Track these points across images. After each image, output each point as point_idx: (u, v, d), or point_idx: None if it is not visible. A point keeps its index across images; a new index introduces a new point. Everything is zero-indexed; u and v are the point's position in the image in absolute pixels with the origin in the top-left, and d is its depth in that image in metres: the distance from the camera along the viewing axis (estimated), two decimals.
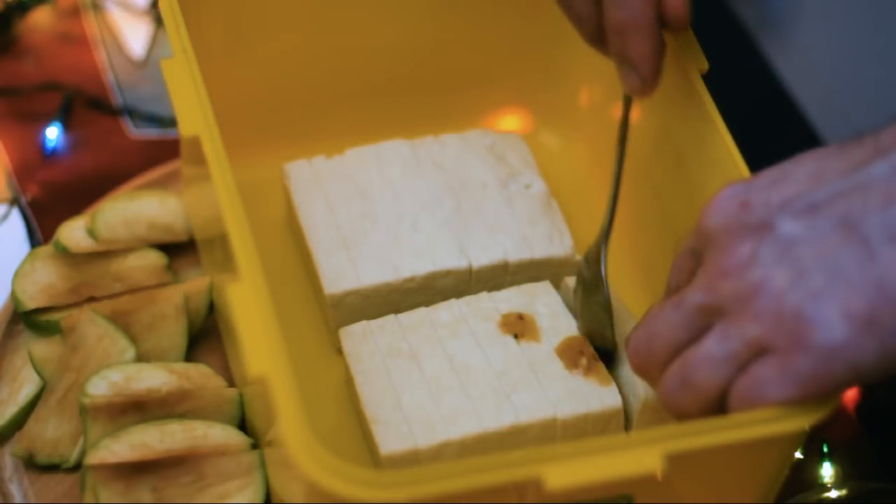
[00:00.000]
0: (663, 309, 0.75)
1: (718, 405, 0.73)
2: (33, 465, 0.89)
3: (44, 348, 0.92)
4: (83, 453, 0.87)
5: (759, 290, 0.71)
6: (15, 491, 0.88)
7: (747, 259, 0.72)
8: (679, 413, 0.75)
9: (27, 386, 0.91)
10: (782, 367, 0.71)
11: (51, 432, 0.89)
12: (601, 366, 0.89)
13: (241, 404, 0.90)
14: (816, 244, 0.71)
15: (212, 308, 0.95)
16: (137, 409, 0.88)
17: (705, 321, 0.73)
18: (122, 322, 0.92)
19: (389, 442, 0.85)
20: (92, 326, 0.91)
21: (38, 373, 0.91)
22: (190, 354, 0.94)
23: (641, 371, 0.77)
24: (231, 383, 0.92)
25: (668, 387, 0.74)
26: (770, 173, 0.74)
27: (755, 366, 0.72)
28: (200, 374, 0.91)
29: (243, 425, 0.90)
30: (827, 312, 0.70)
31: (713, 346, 0.72)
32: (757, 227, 0.72)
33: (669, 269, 0.80)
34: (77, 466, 0.88)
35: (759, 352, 0.71)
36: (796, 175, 0.73)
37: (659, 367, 0.75)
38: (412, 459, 0.85)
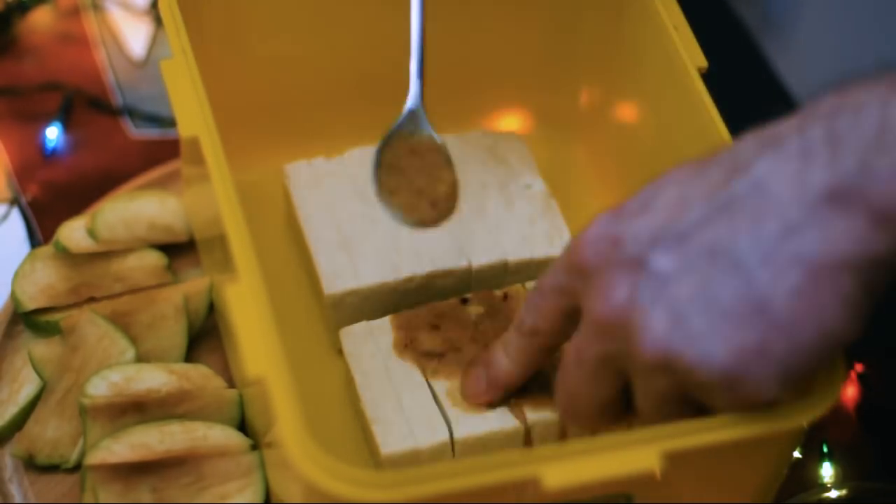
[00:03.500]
0: (566, 368, 0.75)
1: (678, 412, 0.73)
2: (33, 465, 0.89)
3: (44, 349, 0.92)
4: (83, 454, 0.87)
5: (643, 337, 0.69)
6: (15, 491, 0.88)
7: (625, 302, 0.70)
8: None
9: (27, 386, 0.91)
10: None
11: (51, 433, 0.89)
12: None
13: (241, 405, 0.90)
14: (690, 280, 0.68)
15: (212, 308, 0.95)
16: (137, 409, 0.88)
17: (612, 368, 0.72)
18: (122, 322, 0.92)
19: (390, 442, 0.85)
20: (92, 327, 0.91)
21: (38, 373, 0.91)
22: (190, 355, 0.94)
23: (583, 427, 0.78)
24: (231, 384, 0.92)
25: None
26: (635, 201, 0.72)
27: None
28: (200, 375, 0.91)
29: (243, 426, 0.90)
30: (711, 353, 0.67)
31: (646, 397, 0.72)
32: (630, 265, 0.70)
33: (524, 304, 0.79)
34: (77, 467, 0.88)
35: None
36: (659, 203, 0.71)
37: (594, 419, 0.76)
38: (413, 459, 0.85)
